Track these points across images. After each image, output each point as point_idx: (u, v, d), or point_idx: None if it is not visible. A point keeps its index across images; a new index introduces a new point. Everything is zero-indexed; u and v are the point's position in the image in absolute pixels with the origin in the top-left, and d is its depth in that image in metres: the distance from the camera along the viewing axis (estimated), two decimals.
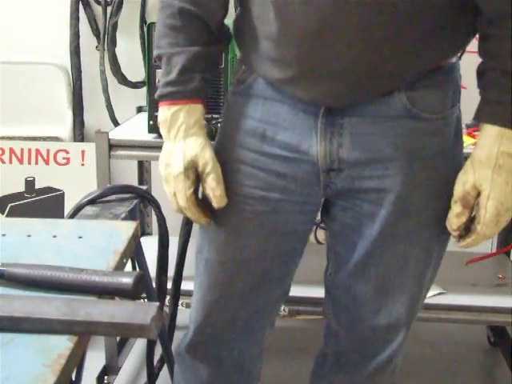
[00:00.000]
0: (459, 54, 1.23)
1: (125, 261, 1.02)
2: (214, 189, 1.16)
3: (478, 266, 2.15)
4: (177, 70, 1.15)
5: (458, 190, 1.12)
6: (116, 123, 2.40)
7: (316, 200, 1.23)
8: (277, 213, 1.21)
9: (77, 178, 2.42)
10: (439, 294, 1.98)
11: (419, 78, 1.11)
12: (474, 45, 1.86)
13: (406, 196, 1.16)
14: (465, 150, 1.82)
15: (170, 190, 1.18)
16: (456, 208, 1.12)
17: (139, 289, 0.86)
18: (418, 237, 1.19)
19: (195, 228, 1.74)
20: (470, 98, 2.16)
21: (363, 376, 1.33)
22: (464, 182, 1.11)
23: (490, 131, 1.09)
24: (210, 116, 1.83)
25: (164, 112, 1.17)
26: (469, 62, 1.96)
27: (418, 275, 1.23)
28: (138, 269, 1.40)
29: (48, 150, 2.46)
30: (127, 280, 0.85)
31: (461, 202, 1.11)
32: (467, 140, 1.87)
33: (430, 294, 1.96)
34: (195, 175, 1.17)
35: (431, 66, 1.13)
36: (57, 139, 2.51)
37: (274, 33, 1.09)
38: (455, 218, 1.13)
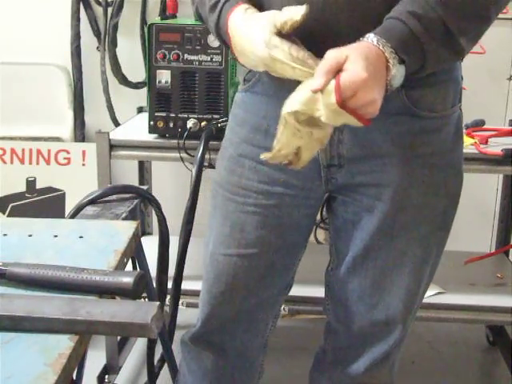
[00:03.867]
0: None
1: (125, 260, 1.02)
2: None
3: (477, 266, 2.16)
4: None
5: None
6: (117, 123, 2.41)
7: (318, 195, 1.25)
8: (280, 206, 1.24)
9: (77, 178, 2.43)
10: (438, 293, 1.98)
11: (419, 76, 1.11)
12: None
13: (404, 191, 1.17)
14: (464, 150, 1.84)
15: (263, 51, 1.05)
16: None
17: (140, 288, 0.86)
18: (415, 233, 1.21)
19: (196, 228, 1.76)
20: (470, 98, 2.18)
21: (360, 370, 1.34)
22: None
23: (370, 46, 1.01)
24: (210, 116, 1.84)
25: (234, 22, 1.10)
26: (468, 62, 1.97)
27: (416, 271, 1.24)
28: (138, 268, 1.40)
29: (49, 150, 2.47)
30: (128, 279, 0.86)
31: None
32: (467, 140, 1.87)
33: (429, 293, 1.98)
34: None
35: None
36: (58, 139, 2.52)
37: None
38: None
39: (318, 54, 1.03)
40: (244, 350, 1.38)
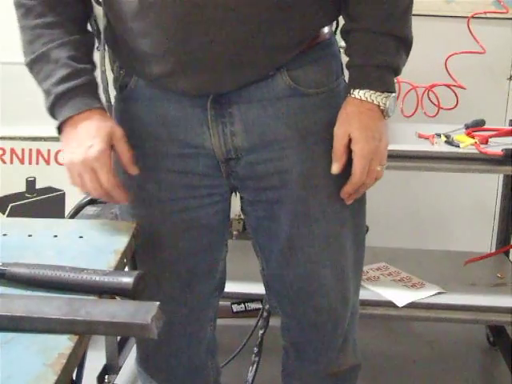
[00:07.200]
0: (334, 29, 1.24)
1: (125, 260, 1.02)
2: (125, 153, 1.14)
3: (478, 266, 2.16)
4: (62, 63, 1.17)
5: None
6: None
7: (222, 190, 1.23)
8: (186, 210, 1.21)
9: None
10: (438, 293, 1.98)
11: (298, 55, 1.12)
12: (468, 46, 1.87)
13: (308, 172, 1.17)
14: (465, 150, 1.84)
15: (89, 176, 1.15)
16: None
17: (139, 288, 0.87)
18: (331, 211, 1.20)
19: None
20: (470, 98, 2.18)
21: (325, 362, 1.33)
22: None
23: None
24: None
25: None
26: (468, 62, 1.97)
27: (342, 249, 1.23)
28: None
29: (49, 150, 2.47)
30: (127, 280, 0.86)
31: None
32: (467, 140, 1.87)
33: (429, 293, 1.98)
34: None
35: (306, 38, 1.14)
36: (57, 139, 2.49)
37: (143, 27, 1.10)
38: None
39: (202, 47, 1.07)
40: (192, 364, 1.35)
